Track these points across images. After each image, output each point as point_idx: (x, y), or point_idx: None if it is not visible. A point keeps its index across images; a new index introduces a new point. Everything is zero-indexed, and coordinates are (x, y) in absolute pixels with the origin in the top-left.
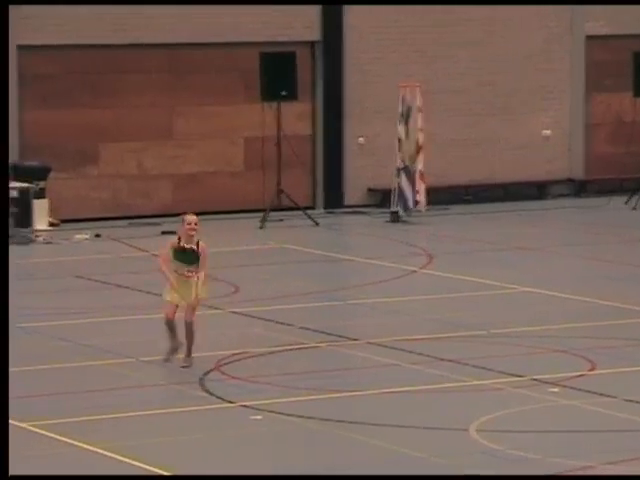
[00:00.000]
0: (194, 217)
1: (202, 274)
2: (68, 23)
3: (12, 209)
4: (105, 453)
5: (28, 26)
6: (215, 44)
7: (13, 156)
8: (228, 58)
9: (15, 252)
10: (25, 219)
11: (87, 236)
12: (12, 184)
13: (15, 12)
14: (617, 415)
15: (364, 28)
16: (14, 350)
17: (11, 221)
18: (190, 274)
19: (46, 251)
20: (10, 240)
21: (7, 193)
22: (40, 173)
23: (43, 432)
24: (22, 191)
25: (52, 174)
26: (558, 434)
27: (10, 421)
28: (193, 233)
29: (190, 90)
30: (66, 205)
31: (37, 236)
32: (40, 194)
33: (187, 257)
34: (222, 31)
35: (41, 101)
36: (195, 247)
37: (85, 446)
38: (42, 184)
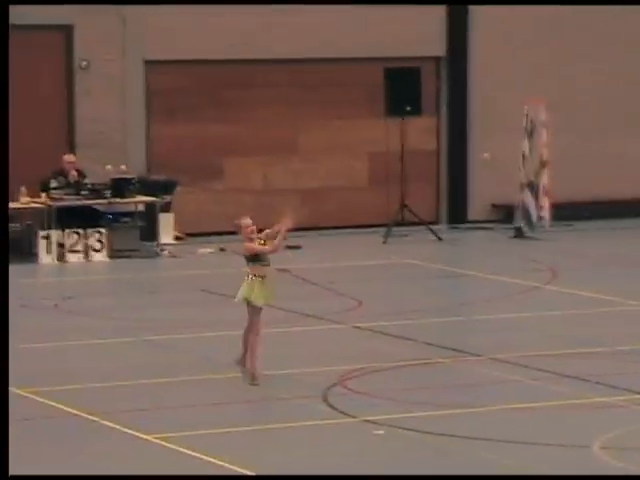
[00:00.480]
0: (249, 220)
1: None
2: (195, 38)
3: (139, 223)
4: (228, 466)
5: (156, 41)
6: (340, 59)
7: (140, 170)
8: (353, 73)
9: (141, 265)
10: (151, 233)
11: (212, 250)
12: (138, 198)
13: (143, 27)
14: None
15: (489, 43)
16: (140, 363)
17: (137, 235)
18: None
19: (171, 265)
20: (136, 253)
21: (7, 194)
22: (166, 187)
23: (168, 445)
24: (148, 205)
25: (178, 188)
26: None
27: (136, 434)
28: (254, 236)
29: (315, 105)
30: (191, 219)
31: (162, 250)
32: (166, 208)
33: (260, 256)
34: (347, 46)
35: (168, 116)
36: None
37: (209, 459)
38: (168, 198)
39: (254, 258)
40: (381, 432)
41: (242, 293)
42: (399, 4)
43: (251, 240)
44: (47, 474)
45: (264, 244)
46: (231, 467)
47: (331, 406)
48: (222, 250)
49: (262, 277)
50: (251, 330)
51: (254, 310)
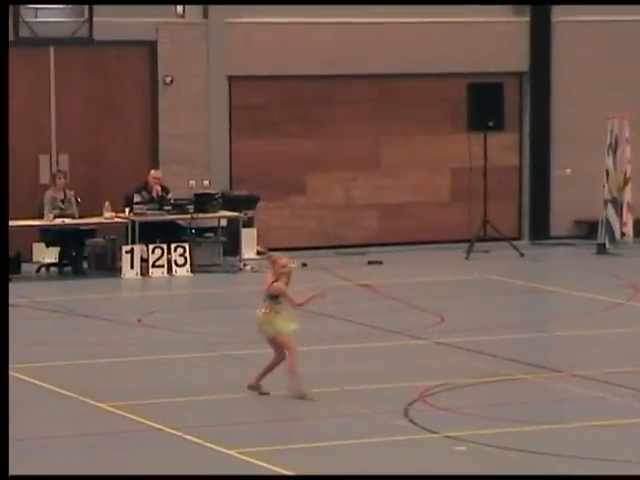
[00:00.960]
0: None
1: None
2: (278, 54)
3: (221, 238)
4: None
5: (239, 57)
6: (423, 75)
7: (223, 185)
8: (435, 89)
9: (223, 280)
10: (233, 248)
11: (294, 265)
12: (221, 213)
13: (226, 43)
14: None
15: (572, 58)
16: (221, 377)
17: (220, 250)
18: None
19: (253, 280)
20: (218, 268)
21: (7, 195)
22: (249, 202)
23: (251, 459)
24: (231, 220)
25: (260, 203)
26: None
27: (219, 449)
28: (284, 277)
29: (397, 120)
30: (274, 234)
31: (245, 265)
32: (248, 223)
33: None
34: (430, 62)
35: (251, 131)
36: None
37: (290, 474)
38: (250, 213)
39: (274, 297)
40: (462, 448)
41: (274, 329)
42: (484, 3)
43: (278, 280)
44: None
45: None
46: None
47: (412, 422)
48: (304, 265)
49: (277, 312)
50: (282, 357)
51: (276, 343)
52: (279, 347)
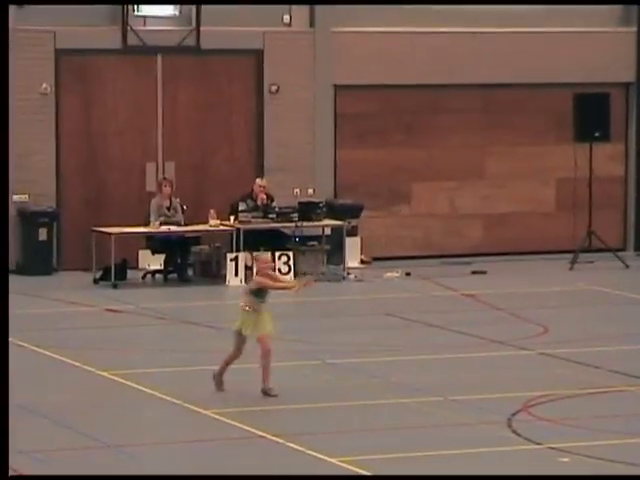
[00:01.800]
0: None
1: None
2: (384, 63)
3: (325, 246)
4: None
5: (345, 66)
6: (529, 84)
7: (328, 194)
8: (542, 99)
9: (327, 289)
10: (337, 256)
11: (398, 274)
12: (326, 222)
13: (332, 52)
14: None
15: None
16: (323, 386)
17: (324, 258)
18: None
19: (357, 288)
20: (322, 277)
21: (7, 197)
22: (353, 211)
23: (350, 467)
24: (335, 229)
25: (365, 212)
26: None
27: (319, 455)
28: (271, 272)
29: (503, 130)
30: (377, 243)
31: (349, 273)
32: (352, 232)
33: (262, 293)
34: (537, 72)
35: (356, 140)
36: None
37: None
38: (355, 222)
39: (257, 293)
40: (566, 459)
41: (238, 324)
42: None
43: (264, 276)
44: None
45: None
46: None
47: (515, 432)
48: (408, 275)
49: (255, 310)
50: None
51: (242, 339)
52: (243, 344)
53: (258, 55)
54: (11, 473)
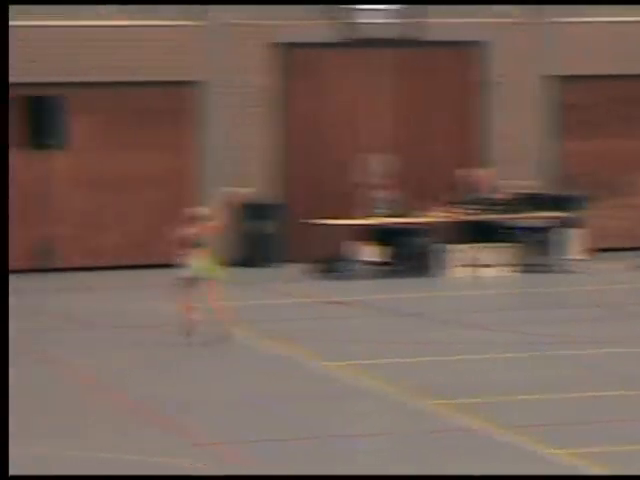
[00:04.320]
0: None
1: None
2: (610, 53)
3: (549, 238)
4: None
5: (572, 57)
6: None
7: (552, 185)
8: None
9: (550, 281)
10: (561, 248)
11: (623, 266)
12: (550, 213)
13: (559, 42)
14: None
15: None
16: (544, 377)
17: (548, 250)
18: None
19: (580, 280)
20: (546, 268)
21: (7, 196)
22: (577, 202)
23: (573, 460)
24: (559, 220)
25: (590, 204)
26: None
27: (546, 450)
28: None
29: None
30: (603, 235)
31: (573, 265)
32: (577, 223)
33: None
34: None
35: (582, 131)
36: None
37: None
38: (579, 214)
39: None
40: None
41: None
42: None
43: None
44: None
45: None
46: None
47: None
48: (637, 267)
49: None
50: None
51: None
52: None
53: (483, 47)
54: (231, 462)
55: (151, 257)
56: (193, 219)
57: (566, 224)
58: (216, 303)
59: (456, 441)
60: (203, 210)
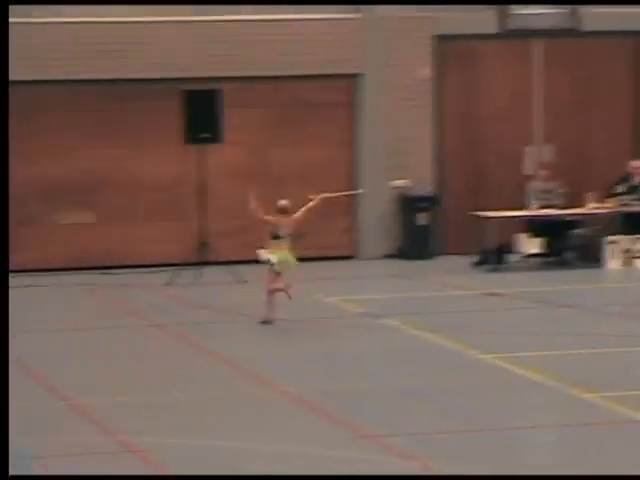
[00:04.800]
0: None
1: None
2: None
3: None
4: None
5: None
6: None
7: None
8: None
9: None
10: None
11: None
12: None
13: None
14: None
15: None
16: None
17: None
18: None
19: None
20: None
21: (7, 195)
22: None
23: None
24: None
25: None
26: None
27: None
28: None
29: None
30: None
31: None
32: None
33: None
34: None
35: None
36: None
37: None
38: None
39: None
40: None
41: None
42: None
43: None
44: None
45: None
46: None
47: None
48: None
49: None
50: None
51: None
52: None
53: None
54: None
55: (308, 249)
56: (282, 211)
57: None
58: (278, 291)
59: (620, 433)
60: (285, 203)
